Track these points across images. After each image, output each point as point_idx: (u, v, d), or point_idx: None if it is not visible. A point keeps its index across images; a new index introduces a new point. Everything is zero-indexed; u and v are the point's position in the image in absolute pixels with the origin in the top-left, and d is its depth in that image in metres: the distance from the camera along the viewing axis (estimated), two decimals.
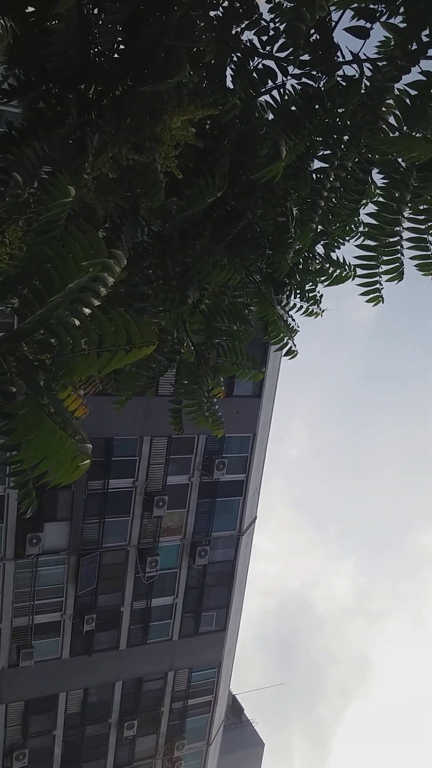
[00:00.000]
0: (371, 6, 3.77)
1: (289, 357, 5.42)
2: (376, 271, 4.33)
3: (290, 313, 5.67)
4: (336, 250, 5.52)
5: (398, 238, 3.86)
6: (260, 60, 3.85)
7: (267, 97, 3.99)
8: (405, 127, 3.52)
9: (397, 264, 3.90)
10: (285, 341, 5.46)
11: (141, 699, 25.37)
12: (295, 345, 5.50)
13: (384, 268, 3.99)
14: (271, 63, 4.15)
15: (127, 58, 3.30)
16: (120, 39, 3.27)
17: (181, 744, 26.15)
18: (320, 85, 4.01)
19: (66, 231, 2.10)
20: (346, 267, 5.33)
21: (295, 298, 5.65)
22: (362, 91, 3.87)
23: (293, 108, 3.72)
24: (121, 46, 3.34)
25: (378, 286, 4.41)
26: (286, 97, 3.90)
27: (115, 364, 2.43)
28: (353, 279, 5.31)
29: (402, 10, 3.60)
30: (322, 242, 5.46)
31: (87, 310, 2.57)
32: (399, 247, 3.88)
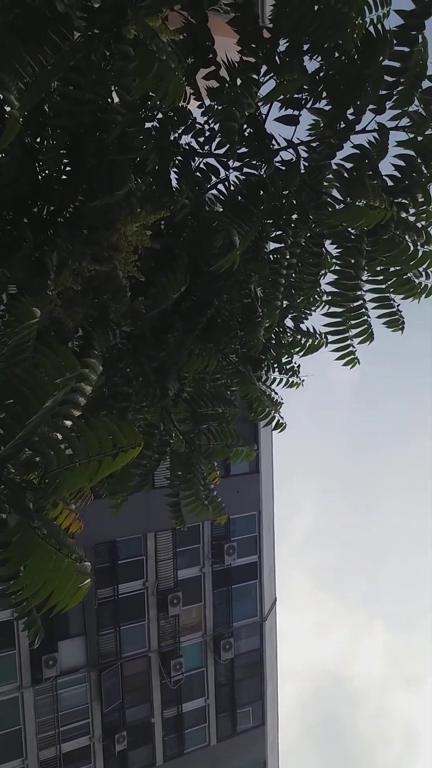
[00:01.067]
0: (296, 95, 4.04)
1: (279, 430, 5.42)
2: (347, 335, 4.42)
3: (272, 387, 5.72)
4: (304, 321, 5.64)
5: (361, 301, 3.97)
6: (201, 159, 4.07)
7: (214, 191, 4.18)
8: (348, 198, 3.68)
9: (366, 326, 3.99)
10: (271, 415, 5.48)
11: None
12: (282, 417, 5.51)
13: (354, 331, 4.06)
14: (212, 160, 4.40)
15: (73, 177, 3.46)
16: (65, 161, 3.44)
17: None
18: (261, 173, 4.23)
19: (36, 351, 2.12)
20: (317, 335, 5.44)
21: (273, 372, 5.72)
22: (302, 172, 4.07)
23: (239, 198, 3.90)
24: (67, 168, 3.51)
25: (351, 348, 4.49)
26: (231, 188, 4.09)
27: (104, 472, 2.40)
28: (326, 346, 5.40)
29: (324, 95, 3.85)
30: (289, 316, 5.60)
31: (68, 422, 2.57)
32: (364, 310, 3.98)
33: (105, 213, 3.50)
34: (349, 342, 4.42)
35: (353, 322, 4.02)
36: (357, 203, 3.44)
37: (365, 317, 3.99)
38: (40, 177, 3.43)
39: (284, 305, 4.75)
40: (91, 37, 2.74)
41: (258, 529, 24.37)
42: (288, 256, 4.47)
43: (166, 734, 23.04)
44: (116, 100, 3.22)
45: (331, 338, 4.52)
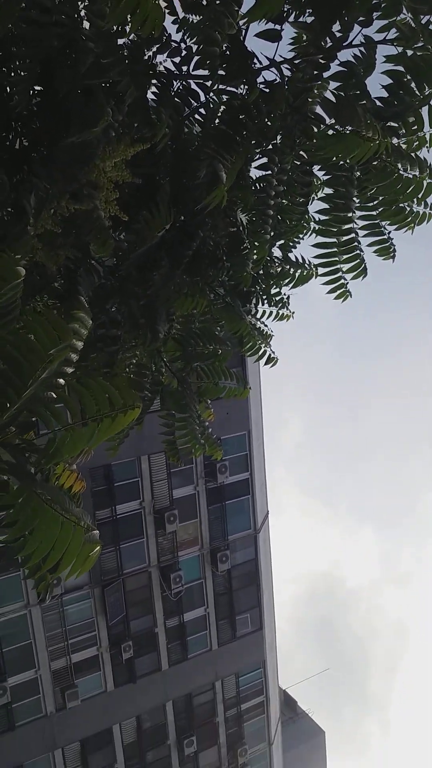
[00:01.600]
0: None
1: (270, 365, 5.38)
2: (337, 267, 4.31)
3: (261, 320, 5.64)
4: (293, 250, 5.49)
5: (353, 235, 3.84)
6: (180, 83, 3.81)
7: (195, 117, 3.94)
8: (336, 125, 3.49)
9: (358, 261, 3.88)
10: (262, 350, 5.43)
11: (194, 714, 25.29)
12: (273, 352, 5.47)
13: (345, 266, 3.96)
14: (190, 82, 4.12)
15: (46, 109, 3.24)
16: (36, 91, 3.21)
17: (243, 750, 26.11)
18: (243, 95, 3.97)
19: (27, 317, 2.04)
20: (307, 266, 5.30)
21: (263, 305, 5.62)
22: (286, 95, 3.84)
23: (220, 126, 3.68)
24: (39, 100, 3.28)
25: (342, 281, 4.39)
26: (212, 115, 3.85)
27: (103, 435, 2.38)
28: (316, 277, 5.29)
29: (309, 9, 3.57)
30: (276, 245, 5.44)
31: (61, 381, 2.52)
32: (356, 244, 3.86)
33: (82, 149, 3.31)
34: (339, 275, 4.31)
35: (345, 256, 3.90)
36: (347, 131, 3.26)
37: (357, 251, 3.87)
38: (10, 110, 3.20)
39: (272, 235, 4.60)
40: None
41: (248, 448, 24.86)
42: (275, 184, 4.28)
43: (170, 642, 24.37)
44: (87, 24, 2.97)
45: (321, 270, 4.41)
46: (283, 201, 4.31)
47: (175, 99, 3.67)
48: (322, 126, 3.83)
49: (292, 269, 5.55)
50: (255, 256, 4.71)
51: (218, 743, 25.98)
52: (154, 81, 3.58)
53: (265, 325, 5.71)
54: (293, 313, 5.66)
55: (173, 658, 24.61)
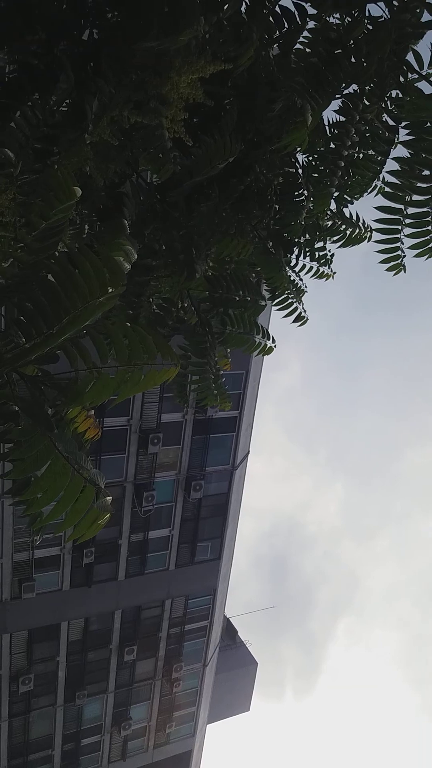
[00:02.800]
0: None
1: (299, 324, 5.12)
2: (397, 236, 4.00)
3: (299, 274, 5.33)
4: (349, 205, 5.12)
5: (428, 209, 3.51)
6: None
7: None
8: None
9: (427, 237, 3.56)
10: (293, 306, 5.15)
11: (140, 626, 26.31)
12: (304, 310, 5.19)
13: (410, 241, 3.65)
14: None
15: (127, 2, 2.84)
16: None
17: (179, 666, 27.37)
18: (342, 27, 3.54)
19: (78, 251, 1.78)
20: (361, 226, 4.95)
21: (304, 258, 5.29)
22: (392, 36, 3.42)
23: (312, 58, 3.28)
24: None
25: (399, 253, 4.09)
26: (306, 47, 3.43)
27: (132, 388, 2.17)
28: (369, 241, 4.96)
29: None
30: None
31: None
32: (430, 218, 3.53)
33: (158, 56, 2.93)
34: (398, 245, 4.01)
35: (414, 230, 3.59)
36: None
37: (430, 226, 3.54)
38: None
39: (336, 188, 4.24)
40: None
41: (243, 387, 24.77)
42: (353, 133, 3.90)
43: (131, 555, 25.06)
44: None
45: (378, 236, 4.10)
46: (359, 154, 3.95)
47: (269, 18, 3.25)
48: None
49: (344, 226, 5.20)
50: (311, 206, 4.36)
51: (157, 656, 27.19)
52: None
53: (301, 280, 5.41)
54: (334, 273, 5.35)
55: (131, 570, 25.37)
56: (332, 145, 3.98)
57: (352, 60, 3.35)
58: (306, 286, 5.44)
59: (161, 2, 2.70)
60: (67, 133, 2.95)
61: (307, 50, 3.40)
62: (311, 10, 3.48)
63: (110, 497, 1.91)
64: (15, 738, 24.15)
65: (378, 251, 4.18)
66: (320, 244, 5.36)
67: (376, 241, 4.26)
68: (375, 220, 4.07)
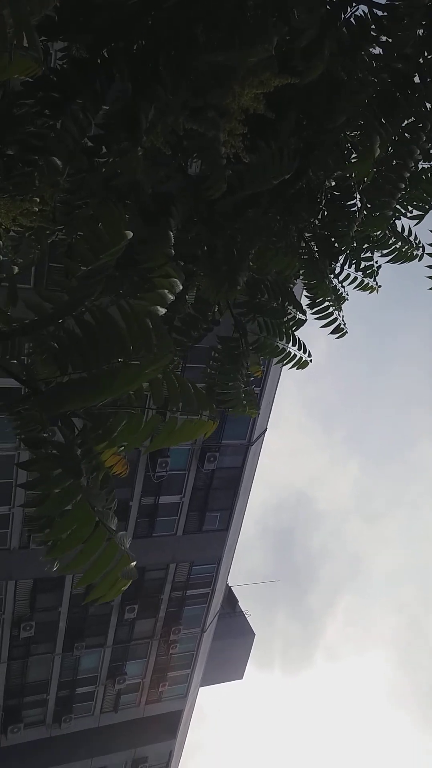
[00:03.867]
0: None
1: (337, 336, 4.96)
2: None
3: (343, 283, 5.15)
4: (401, 218, 4.90)
5: None
6: (355, 7, 3.13)
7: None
8: None
9: None
10: (333, 316, 4.98)
11: (143, 586, 26.79)
12: (344, 322, 5.02)
13: None
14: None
15: (194, 11, 2.66)
16: None
17: (177, 629, 27.93)
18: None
19: (124, 310, 1.68)
20: (413, 243, 4.73)
21: (349, 267, 5.09)
22: None
23: (385, 80, 3.06)
24: None
25: None
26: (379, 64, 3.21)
27: (164, 439, 2.08)
28: (420, 260, 4.75)
29: None
30: None
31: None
32: None
33: (222, 66, 2.76)
34: None
35: None
36: None
37: None
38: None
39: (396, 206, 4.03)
40: None
41: (266, 365, 24.58)
42: (418, 153, 3.68)
43: (140, 517, 25.37)
44: None
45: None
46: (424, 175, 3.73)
47: (343, 30, 3.03)
48: None
49: (393, 239, 4.98)
50: (367, 223, 4.15)
51: (156, 617, 27.74)
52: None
53: (343, 287, 5.22)
54: (379, 287, 5.14)
55: (139, 531, 25.71)
56: (394, 163, 3.78)
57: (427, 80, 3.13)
58: (347, 294, 5.26)
59: (239, 16, 2.51)
60: (118, 137, 2.81)
61: (379, 65, 3.19)
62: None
63: (135, 562, 1.84)
64: (12, 680, 24.99)
65: (427, 265, 4.02)
66: (368, 254, 5.17)
67: (427, 266, 4.09)
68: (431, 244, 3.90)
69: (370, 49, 3.23)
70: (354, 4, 3.10)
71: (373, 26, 3.30)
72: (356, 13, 3.29)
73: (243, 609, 35.23)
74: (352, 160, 3.25)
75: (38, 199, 3.13)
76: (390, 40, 3.36)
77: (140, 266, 3.31)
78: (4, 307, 3.32)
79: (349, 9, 3.04)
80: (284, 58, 3.08)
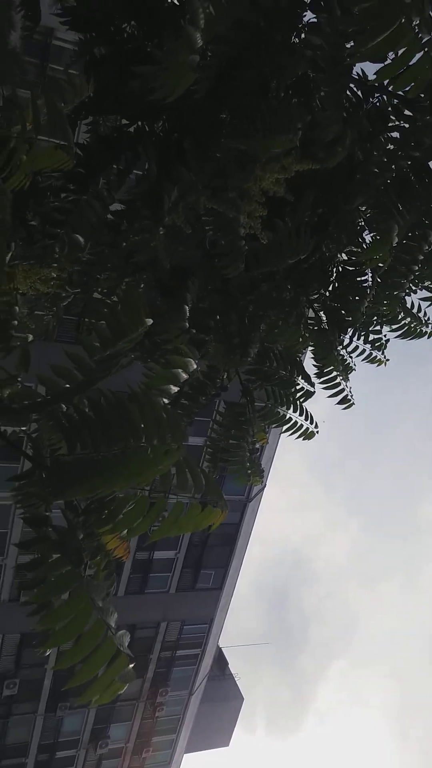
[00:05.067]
0: None
1: (344, 407, 4.94)
2: None
3: (351, 354, 5.16)
4: (411, 294, 4.95)
5: None
6: (378, 97, 3.23)
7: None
8: None
9: None
10: (340, 387, 4.98)
11: (132, 645, 25.76)
12: (351, 393, 5.01)
13: None
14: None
15: (221, 97, 2.75)
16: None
17: (165, 691, 26.95)
18: None
19: (145, 405, 1.66)
20: (424, 320, 4.77)
21: (357, 339, 5.12)
22: None
23: (405, 167, 3.14)
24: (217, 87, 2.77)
25: None
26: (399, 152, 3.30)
27: (169, 527, 2.03)
28: (429, 338, 4.77)
29: None
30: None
31: None
32: None
33: (246, 151, 2.83)
34: None
35: None
36: None
37: None
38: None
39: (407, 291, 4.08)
40: None
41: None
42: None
43: (133, 572, 24.83)
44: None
45: None
46: None
47: (364, 120, 3.12)
48: None
49: (403, 314, 5.02)
50: (378, 301, 4.20)
51: (144, 677, 26.80)
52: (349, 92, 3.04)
53: (351, 358, 5.24)
54: (387, 360, 5.16)
55: (131, 588, 25.13)
56: (408, 245, 3.83)
57: None
58: (355, 365, 5.27)
59: (263, 103, 2.59)
60: (140, 215, 2.86)
61: (399, 153, 3.27)
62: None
63: (133, 664, 1.77)
64: None
65: None
66: (377, 327, 5.20)
67: None
68: None
69: (389, 134, 3.33)
70: (375, 95, 3.20)
71: (391, 114, 3.40)
72: (376, 102, 3.39)
73: (233, 671, 34.09)
74: (368, 246, 3.29)
75: (56, 265, 3.17)
76: (408, 126, 3.47)
77: (154, 337, 3.33)
78: (15, 372, 3.32)
79: (370, 100, 3.14)
80: (305, 142, 3.18)
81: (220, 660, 34.33)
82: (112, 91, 2.88)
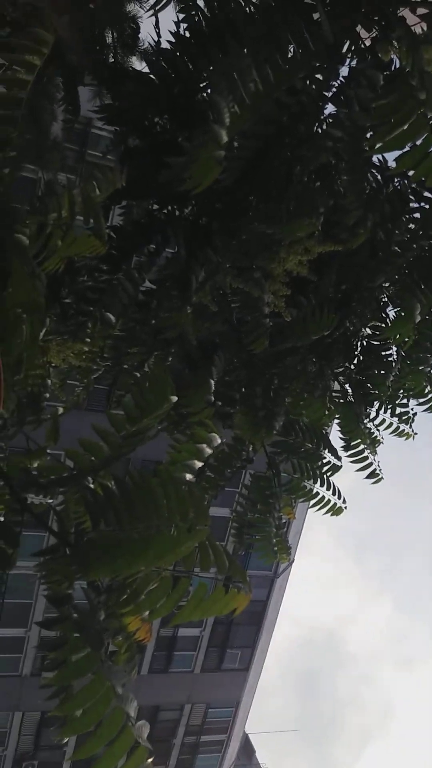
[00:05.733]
0: None
1: (372, 481, 4.87)
2: None
3: (378, 427, 5.13)
4: None
5: None
6: (399, 181, 3.36)
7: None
8: None
9: None
10: (368, 461, 4.92)
11: (155, 727, 24.85)
12: (379, 467, 4.94)
13: None
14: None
15: (246, 188, 2.89)
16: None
17: None
18: None
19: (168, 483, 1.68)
20: None
21: (384, 412, 5.09)
22: None
23: (426, 243, 3.23)
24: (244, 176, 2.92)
25: None
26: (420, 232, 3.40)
27: (192, 610, 2.00)
28: None
29: None
30: None
31: None
32: None
33: (271, 234, 2.95)
34: None
35: None
36: None
37: None
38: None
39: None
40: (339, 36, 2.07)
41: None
42: None
43: (157, 650, 24.04)
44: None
45: None
46: None
47: (385, 205, 3.24)
48: None
49: (429, 388, 5.01)
50: (404, 376, 4.21)
51: (167, 764, 25.45)
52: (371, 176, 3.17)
53: (378, 431, 5.20)
54: (415, 434, 5.11)
55: (155, 666, 24.28)
56: (429, 318, 3.88)
57: None
58: (382, 438, 5.23)
59: (288, 188, 2.72)
60: (169, 295, 2.97)
61: (421, 233, 3.37)
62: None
63: (152, 758, 1.71)
64: None
65: None
66: (403, 400, 5.18)
67: None
68: None
69: (410, 215, 3.43)
70: (396, 179, 3.33)
71: (411, 196, 3.52)
72: (397, 185, 3.51)
73: (260, 761, 32.18)
74: (392, 322, 3.35)
75: (89, 340, 3.28)
76: (429, 207, 3.58)
77: (181, 410, 3.37)
78: (45, 444, 3.37)
79: (390, 184, 3.26)
80: (328, 224, 3.29)
81: (247, 747, 32.51)
82: (145, 179, 3.05)
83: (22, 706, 21.92)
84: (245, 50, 1.77)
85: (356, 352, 5.00)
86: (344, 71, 2.64)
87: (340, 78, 2.49)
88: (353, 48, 2.42)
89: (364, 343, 4.97)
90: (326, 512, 4.43)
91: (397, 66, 2.05)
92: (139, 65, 4.62)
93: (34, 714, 22.29)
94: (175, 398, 1.92)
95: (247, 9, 2.27)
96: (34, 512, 2.45)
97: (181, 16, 3.26)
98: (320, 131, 2.61)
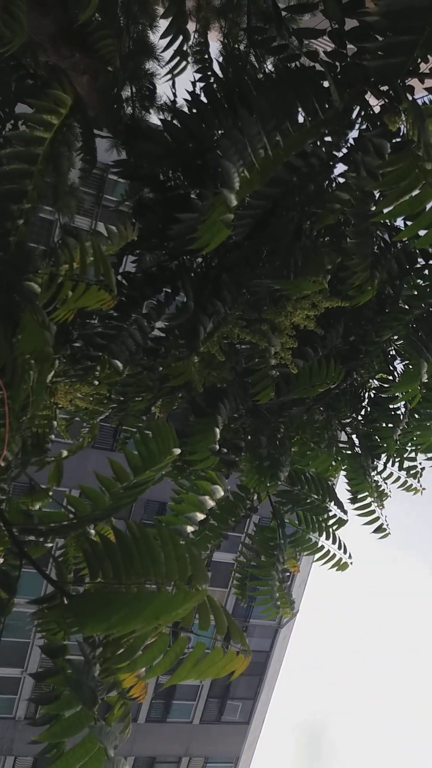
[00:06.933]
0: None
1: (379, 536, 4.80)
2: None
3: (386, 480, 5.08)
4: None
5: None
6: (404, 241, 3.42)
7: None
8: None
9: None
10: (375, 514, 4.87)
11: None
12: (386, 521, 4.88)
13: None
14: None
15: (257, 239, 2.96)
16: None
17: None
18: None
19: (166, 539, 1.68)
20: None
21: (392, 466, 5.05)
22: None
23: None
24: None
25: None
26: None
27: (187, 671, 1.97)
28: None
29: None
30: None
31: None
32: None
33: (279, 289, 2.99)
34: None
35: None
36: None
37: None
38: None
39: None
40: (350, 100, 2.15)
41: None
42: None
43: (155, 698, 23.39)
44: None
45: None
46: None
47: (393, 262, 3.29)
48: None
49: None
50: (412, 430, 4.20)
51: None
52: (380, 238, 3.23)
53: (386, 484, 5.15)
54: (423, 489, 5.05)
55: (152, 715, 23.58)
56: None
57: None
58: (390, 491, 5.18)
59: (296, 245, 2.77)
60: (177, 344, 3.00)
61: (428, 290, 3.40)
62: None
63: None
64: None
65: None
66: (411, 453, 5.14)
67: None
68: None
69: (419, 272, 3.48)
70: (403, 239, 3.38)
71: (419, 256, 3.57)
72: (405, 243, 3.57)
73: None
74: (399, 378, 3.36)
75: (96, 383, 3.31)
76: None
77: (184, 458, 3.37)
78: (48, 486, 3.37)
79: (399, 243, 3.32)
80: (336, 279, 3.34)
81: None
82: (157, 231, 3.13)
83: (15, 750, 21.28)
84: (255, 117, 1.83)
85: (364, 404, 5.00)
86: (354, 133, 2.72)
87: (350, 141, 2.57)
88: (363, 113, 2.50)
89: (372, 395, 4.97)
90: (331, 567, 4.36)
91: (405, 133, 2.11)
92: (156, 119, 4.78)
93: (27, 759, 21.64)
94: (178, 451, 1.93)
95: (260, 75, 2.36)
96: (33, 559, 2.43)
97: (198, 75, 3.39)
98: (330, 190, 2.68)
